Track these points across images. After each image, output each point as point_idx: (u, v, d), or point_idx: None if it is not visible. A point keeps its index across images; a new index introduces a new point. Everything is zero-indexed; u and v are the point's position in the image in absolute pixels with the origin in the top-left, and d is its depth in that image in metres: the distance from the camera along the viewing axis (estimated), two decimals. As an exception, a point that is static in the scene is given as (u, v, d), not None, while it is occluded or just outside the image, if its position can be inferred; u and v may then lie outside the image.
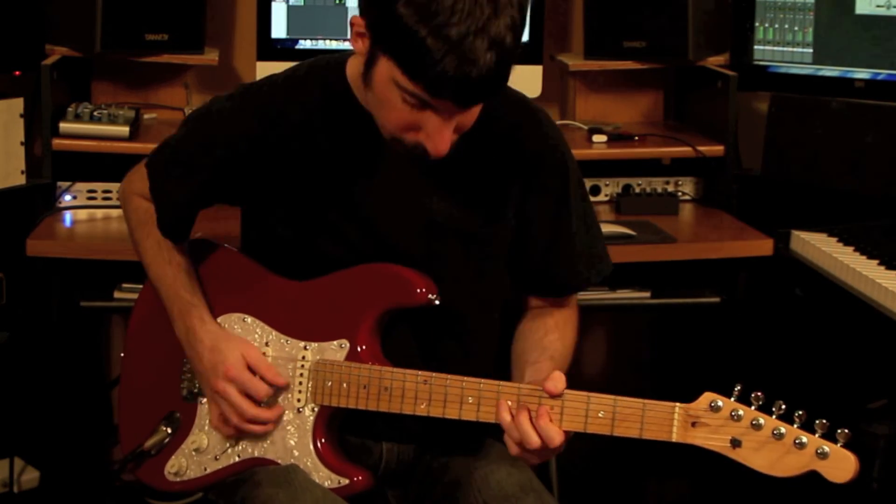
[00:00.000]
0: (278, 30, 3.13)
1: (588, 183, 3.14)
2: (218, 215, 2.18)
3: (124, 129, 2.98)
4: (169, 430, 2.09)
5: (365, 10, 1.81)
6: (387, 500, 2.08)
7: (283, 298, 2.05)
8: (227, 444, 2.04)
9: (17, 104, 2.92)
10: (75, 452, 2.97)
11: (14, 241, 2.79)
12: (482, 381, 1.89)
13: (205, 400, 2.07)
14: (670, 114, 3.52)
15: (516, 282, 2.10)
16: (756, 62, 3.20)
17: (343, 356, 1.98)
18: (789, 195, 3.08)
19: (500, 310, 2.14)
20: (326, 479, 1.97)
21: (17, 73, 3.02)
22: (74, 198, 3.01)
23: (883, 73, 3.02)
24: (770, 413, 1.73)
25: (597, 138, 3.21)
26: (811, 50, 3.12)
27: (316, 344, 2.00)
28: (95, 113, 2.99)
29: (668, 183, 3.24)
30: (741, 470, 1.77)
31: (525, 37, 3.14)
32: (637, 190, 3.21)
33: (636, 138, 3.24)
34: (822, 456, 1.68)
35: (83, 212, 2.99)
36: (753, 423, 1.72)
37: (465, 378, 1.89)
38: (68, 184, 3.00)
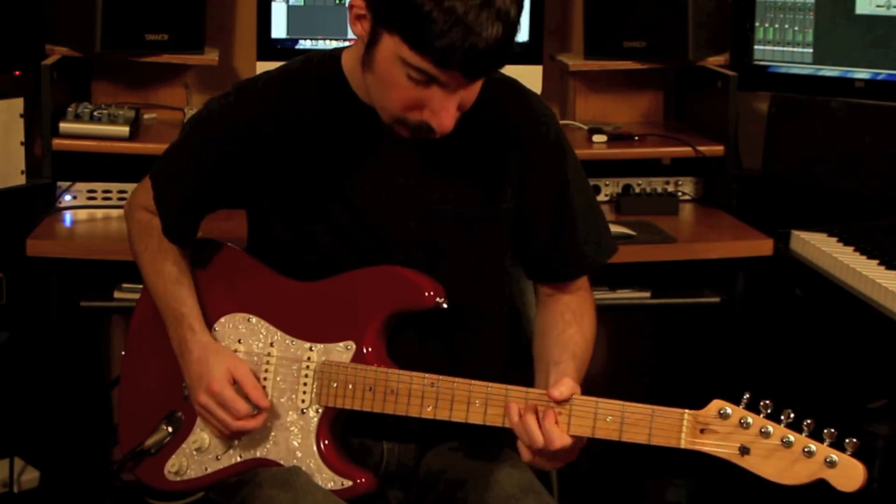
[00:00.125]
0: (278, 30, 3.13)
1: (591, 186, 3.16)
2: (224, 216, 2.18)
3: (124, 129, 2.98)
4: (170, 430, 2.09)
5: None
6: (388, 501, 2.08)
7: (288, 299, 2.05)
8: (229, 445, 2.04)
9: (17, 104, 2.92)
10: (75, 452, 2.97)
11: (14, 241, 2.79)
12: (490, 384, 1.89)
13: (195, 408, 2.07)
14: (670, 114, 3.52)
15: (527, 270, 2.12)
16: (756, 62, 3.20)
17: (349, 358, 1.98)
18: (789, 195, 3.08)
19: (507, 304, 2.15)
20: (329, 480, 1.97)
21: (17, 73, 3.02)
22: (74, 198, 3.01)
23: (883, 73, 3.02)
24: (778, 421, 1.73)
25: (597, 138, 3.21)
26: (811, 50, 3.12)
27: (322, 345, 2.00)
28: (95, 113, 2.99)
29: (668, 183, 3.24)
30: (741, 471, 1.77)
31: (525, 37, 3.18)
32: (637, 190, 3.21)
33: (636, 138, 3.24)
34: (831, 465, 1.69)
35: (83, 212, 2.99)
36: (762, 430, 1.73)
37: (473, 381, 1.90)
38: (68, 184, 3.00)
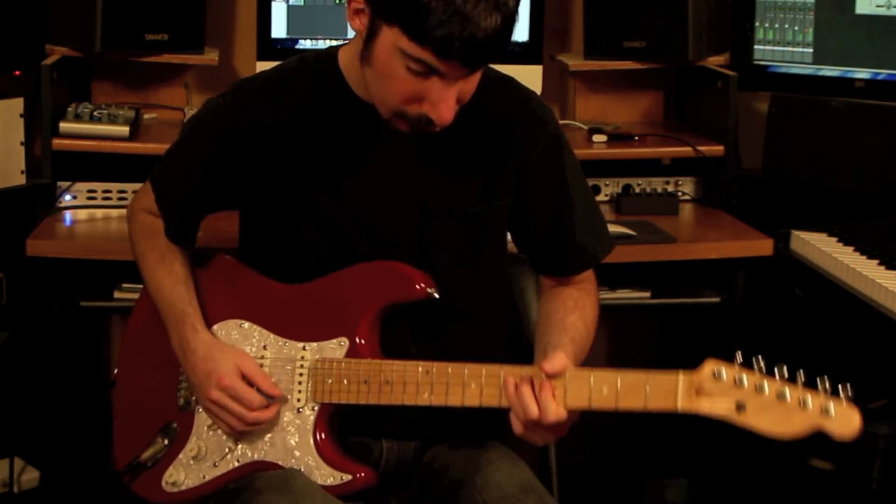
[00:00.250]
0: (278, 30, 3.13)
1: (588, 183, 3.16)
2: (223, 216, 2.18)
3: (124, 129, 2.98)
4: (166, 442, 2.07)
5: None
6: (388, 501, 2.08)
7: (279, 302, 2.05)
8: (226, 450, 2.03)
9: (17, 104, 2.92)
10: (75, 452, 2.97)
11: (14, 241, 2.79)
12: (484, 365, 1.89)
13: (202, 408, 2.07)
14: (670, 114, 3.52)
15: (532, 263, 2.13)
16: (756, 62, 3.20)
17: (343, 353, 1.98)
18: (789, 195, 3.08)
19: (506, 304, 2.15)
20: (329, 476, 1.97)
21: (17, 73, 3.02)
22: (74, 198, 3.01)
23: (883, 73, 3.02)
24: (773, 376, 1.73)
25: (597, 138, 3.21)
26: (811, 50, 3.12)
27: (315, 344, 2.00)
28: (95, 113, 2.99)
29: (668, 183, 3.24)
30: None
31: (525, 37, 3.18)
32: (637, 190, 3.21)
33: (636, 138, 3.24)
34: (826, 412, 1.69)
35: (83, 212, 2.99)
36: (757, 386, 1.73)
37: (467, 364, 1.90)
38: (68, 184, 3.00)
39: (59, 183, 2.99)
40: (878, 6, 3.01)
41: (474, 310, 2.07)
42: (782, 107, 3.08)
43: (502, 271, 2.13)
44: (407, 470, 2.08)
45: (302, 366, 2.00)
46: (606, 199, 3.20)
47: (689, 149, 3.18)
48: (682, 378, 1.77)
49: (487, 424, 2.05)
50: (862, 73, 3.05)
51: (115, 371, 2.22)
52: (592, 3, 3.21)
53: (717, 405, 1.75)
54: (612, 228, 2.86)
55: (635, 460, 3.37)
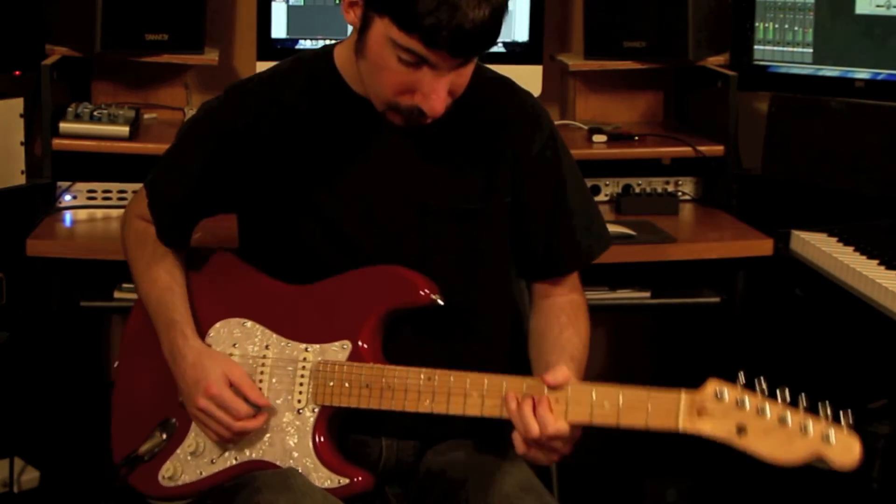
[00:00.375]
0: (278, 30, 3.13)
1: (588, 183, 3.13)
2: (222, 218, 2.18)
3: (124, 129, 2.98)
4: (164, 436, 2.07)
5: None
6: (387, 500, 2.08)
7: (283, 302, 2.05)
8: (224, 448, 2.03)
9: (17, 104, 2.92)
10: (75, 452, 2.97)
11: (14, 241, 2.79)
12: (487, 375, 1.89)
13: (190, 415, 2.06)
14: (670, 114, 3.52)
15: (521, 269, 2.12)
16: (756, 62, 3.20)
17: (345, 357, 1.98)
18: (789, 195, 3.08)
19: (510, 306, 2.15)
20: (326, 479, 1.97)
21: (17, 73, 3.01)
22: (74, 198, 3.01)
23: (883, 73, 3.02)
24: (775, 399, 1.73)
25: (597, 138, 3.21)
26: (811, 50, 3.12)
27: (318, 345, 2.00)
28: (95, 113, 2.99)
29: (668, 183, 3.24)
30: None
31: (525, 37, 3.18)
32: (637, 190, 3.21)
33: (636, 138, 3.24)
34: (827, 440, 1.68)
35: (83, 212, 2.99)
36: (759, 409, 1.72)
37: (470, 373, 1.90)
38: (68, 184, 3.00)
39: (59, 183, 2.99)
40: (878, 6, 3.01)
41: (475, 309, 2.07)
42: (782, 107, 3.08)
43: (505, 271, 2.13)
44: (406, 469, 2.08)
45: (304, 367, 2.00)
46: (606, 199, 3.20)
47: (689, 149, 3.17)
48: (684, 397, 1.77)
49: (488, 424, 2.05)
50: (862, 73, 3.05)
51: (116, 365, 2.22)
52: (592, 3, 3.21)
53: (718, 427, 1.74)
54: (612, 228, 2.85)
55: (635, 460, 3.37)
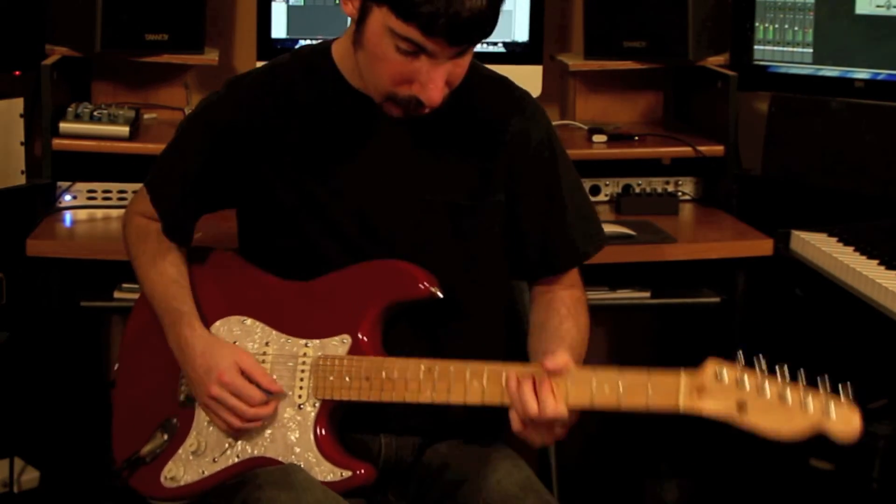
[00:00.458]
0: (278, 30, 3.13)
1: (588, 183, 3.16)
2: (223, 216, 2.19)
3: (124, 129, 2.98)
4: (165, 437, 2.07)
5: None
6: (387, 499, 2.08)
7: (282, 299, 2.05)
8: (226, 446, 2.03)
9: (17, 104, 2.92)
10: (75, 452, 2.97)
11: (14, 241, 2.79)
12: (487, 363, 1.89)
13: (200, 404, 2.06)
14: (670, 114, 3.52)
15: (517, 270, 2.12)
16: (756, 62, 3.20)
17: (345, 351, 1.98)
18: (789, 195, 3.08)
19: (505, 300, 2.15)
20: (329, 472, 1.97)
21: (17, 73, 3.02)
22: (74, 198, 3.01)
23: (883, 73, 3.02)
24: (774, 376, 1.74)
25: (597, 138, 3.21)
26: (811, 50, 3.12)
27: (318, 341, 2.01)
28: (95, 113, 2.99)
29: (668, 183, 3.24)
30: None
31: (525, 37, 3.18)
32: (637, 190, 3.21)
33: (636, 138, 3.24)
34: (828, 413, 1.69)
35: (83, 212, 2.99)
36: (758, 386, 1.73)
37: (470, 362, 1.90)
38: (68, 184, 3.00)
39: (59, 183, 2.99)
40: (878, 6, 3.00)
41: (470, 303, 2.07)
42: (782, 107, 3.08)
43: (498, 267, 2.13)
44: (406, 467, 2.08)
45: (304, 362, 2.00)
46: (606, 199, 3.20)
47: (689, 149, 3.18)
48: (684, 378, 1.78)
49: (488, 423, 2.05)
50: (862, 73, 3.05)
51: (116, 367, 2.22)
52: (592, 3, 3.21)
53: (718, 405, 1.75)
54: (612, 228, 2.87)
55: (635, 460, 3.37)
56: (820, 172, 3.00)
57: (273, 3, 3.12)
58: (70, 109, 2.99)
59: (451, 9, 1.78)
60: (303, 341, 2.02)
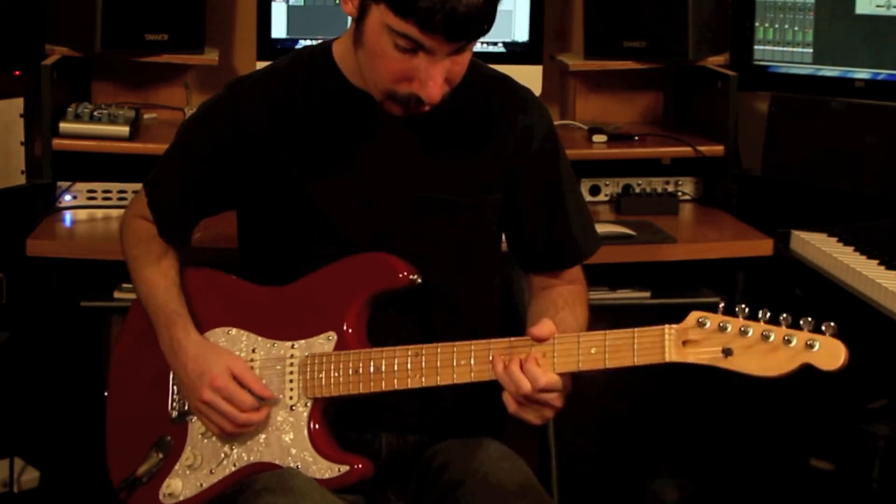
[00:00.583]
0: (278, 30, 3.13)
1: (588, 183, 3.16)
2: (221, 218, 2.19)
3: (124, 129, 2.98)
4: (161, 455, 2.07)
5: None
6: (387, 498, 2.08)
7: (264, 305, 2.06)
8: (222, 456, 2.03)
9: (17, 104, 2.92)
10: (75, 452, 2.97)
11: (14, 241, 2.79)
12: (473, 342, 1.90)
13: (195, 417, 2.07)
14: (670, 114, 3.52)
15: (522, 263, 2.14)
16: (756, 62, 3.20)
17: (332, 347, 1.99)
18: (789, 195, 3.08)
19: (497, 297, 2.15)
20: (326, 469, 1.97)
21: (17, 73, 3.01)
22: (74, 198, 3.01)
23: (883, 73, 3.02)
24: (756, 320, 1.75)
25: (597, 138, 3.21)
26: (811, 50, 3.12)
27: (303, 341, 2.01)
28: (95, 113, 2.99)
29: (668, 183, 3.24)
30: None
31: (525, 37, 3.18)
32: (637, 190, 3.21)
33: (636, 138, 3.24)
34: (811, 347, 1.71)
35: (83, 212, 2.99)
36: (742, 330, 1.75)
37: (455, 343, 1.91)
38: (68, 184, 3.00)
39: (59, 183, 2.99)
40: (878, 6, 3.00)
41: (464, 299, 2.08)
42: (782, 107, 3.08)
43: (494, 267, 2.14)
44: (406, 466, 2.08)
45: (292, 364, 2.01)
46: (606, 199, 3.20)
47: (689, 149, 3.18)
48: (668, 330, 1.79)
49: (487, 422, 2.05)
50: (862, 73, 3.05)
51: (108, 384, 2.21)
52: (592, 3, 3.21)
53: (704, 353, 1.77)
54: (613, 228, 2.87)
55: (635, 460, 3.37)
56: (820, 172, 3.01)
57: (273, 3, 3.12)
58: (70, 109, 2.99)
59: (447, 5, 1.79)
60: (289, 343, 2.02)
